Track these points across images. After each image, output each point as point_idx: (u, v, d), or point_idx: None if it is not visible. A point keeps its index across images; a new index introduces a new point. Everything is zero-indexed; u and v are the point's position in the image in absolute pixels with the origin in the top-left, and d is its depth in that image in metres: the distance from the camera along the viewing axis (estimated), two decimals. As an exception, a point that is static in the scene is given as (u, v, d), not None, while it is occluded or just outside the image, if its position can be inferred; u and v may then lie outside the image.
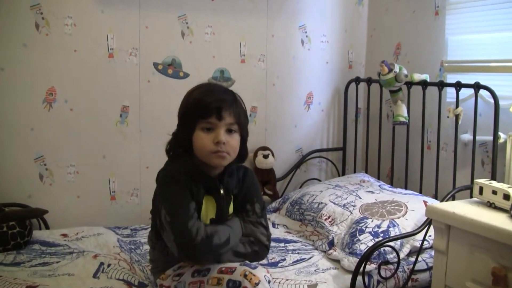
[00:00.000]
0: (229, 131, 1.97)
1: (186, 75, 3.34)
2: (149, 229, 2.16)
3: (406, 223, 2.68)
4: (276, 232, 3.00)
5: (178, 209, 1.91)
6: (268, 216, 3.14)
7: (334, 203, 2.99)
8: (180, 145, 2.03)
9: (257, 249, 2.08)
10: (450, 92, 3.15)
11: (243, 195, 2.12)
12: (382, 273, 2.47)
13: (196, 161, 2.00)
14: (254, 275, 1.87)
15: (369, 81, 3.62)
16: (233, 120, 1.97)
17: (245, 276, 1.87)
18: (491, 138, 2.83)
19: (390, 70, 3.18)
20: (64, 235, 2.81)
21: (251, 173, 2.17)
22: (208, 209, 2.02)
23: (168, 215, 1.91)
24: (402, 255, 2.55)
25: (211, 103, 1.94)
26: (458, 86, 2.96)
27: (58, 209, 3.09)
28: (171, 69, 3.31)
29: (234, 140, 1.98)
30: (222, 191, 2.03)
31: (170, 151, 2.07)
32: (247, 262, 2.01)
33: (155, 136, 3.28)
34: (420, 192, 3.21)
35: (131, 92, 3.23)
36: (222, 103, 1.95)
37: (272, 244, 2.70)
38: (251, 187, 2.14)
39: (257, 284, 1.85)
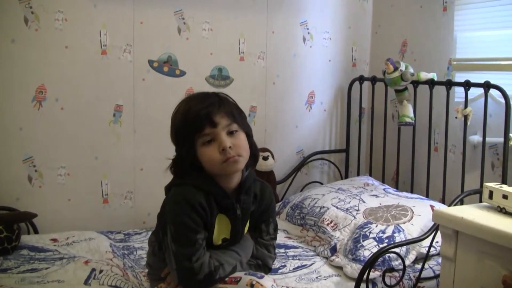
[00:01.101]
0: (230, 132, 1.92)
1: (182, 73, 3.34)
2: (147, 235, 2.14)
3: (412, 229, 2.68)
4: (276, 238, 2.99)
5: (185, 240, 1.87)
6: None
7: (337, 207, 2.98)
8: (188, 166, 1.95)
9: (260, 264, 2.08)
10: (459, 91, 3.15)
11: (259, 214, 2.08)
12: (387, 280, 2.46)
13: (211, 174, 1.94)
14: (261, 285, 1.86)
15: (373, 80, 3.61)
16: (229, 121, 1.91)
17: (251, 286, 1.86)
18: (501, 139, 2.83)
19: (396, 69, 3.19)
20: (54, 240, 2.80)
21: (269, 191, 2.11)
22: (221, 229, 1.98)
23: (174, 243, 1.88)
24: (407, 262, 2.55)
25: (198, 113, 1.89)
26: (467, 85, 2.96)
27: (47, 212, 3.08)
28: (167, 66, 3.31)
29: (239, 140, 1.93)
30: (238, 212, 1.98)
31: (180, 173, 1.98)
32: (252, 271, 2.00)
33: (150, 136, 3.28)
34: (427, 196, 3.21)
35: (125, 91, 3.23)
36: (209, 108, 1.89)
37: None
38: (270, 207, 2.10)
39: None
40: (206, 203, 1.89)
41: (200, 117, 1.88)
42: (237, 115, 1.95)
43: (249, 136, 1.99)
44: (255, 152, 2.01)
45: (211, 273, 1.89)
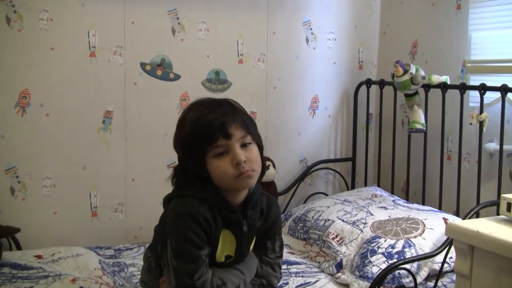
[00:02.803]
0: (244, 145, 1.89)
1: (177, 77, 3.34)
2: (138, 251, 2.13)
3: (424, 243, 2.68)
4: (277, 253, 2.98)
5: (187, 256, 1.85)
6: None
7: (343, 220, 2.98)
8: (189, 183, 1.92)
9: (265, 283, 2.07)
10: (474, 95, 3.15)
11: (264, 230, 2.07)
12: (397, 299, 2.46)
13: (218, 187, 1.92)
14: None
15: (381, 83, 3.62)
16: (243, 132, 1.89)
17: None
18: (520, 147, 2.83)
19: (406, 71, 3.19)
20: (39, 257, 2.78)
21: (276, 206, 2.10)
22: (225, 245, 1.96)
23: (175, 259, 1.85)
24: (419, 279, 2.54)
25: (211, 125, 1.85)
26: (483, 89, 2.95)
27: (31, 227, 3.06)
28: (160, 70, 3.31)
29: (253, 153, 1.90)
30: (245, 228, 1.96)
31: (179, 187, 1.96)
32: None
33: (142, 144, 3.27)
34: (440, 208, 3.21)
35: (116, 96, 3.22)
36: (224, 118, 1.86)
37: None
38: (276, 224, 2.08)
39: None
40: (211, 217, 1.87)
41: (213, 127, 1.85)
42: (250, 126, 1.93)
43: (261, 148, 1.97)
44: (264, 165, 2.00)
45: None
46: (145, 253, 2.13)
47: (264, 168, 2.00)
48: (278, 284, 2.56)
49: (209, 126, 1.84)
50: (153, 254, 2.06)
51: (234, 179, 1.86)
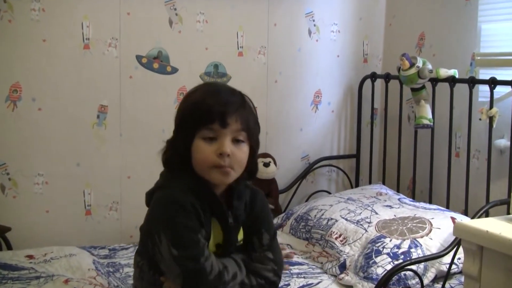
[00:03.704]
0: (236, 140, 1.89)
1: (174, 70, 3.34)
2: (134, 250, 2.11)
3: (431, 243, 2.68)
4: (278, 253, 2.98)
5: (188, 241, 1.84)
6: (282, 245, 3.12)
7: (346, 220, 2.99)
8: (178, 157, 1.94)
9: (263, 283, 2.04)
10: (483, 90, 3.15)
11: (249, 225, 2.05)
12: (403, 301, 2.47)
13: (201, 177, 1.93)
14: None
15: (387, 77, 3.62)
16: (240, 127, 1.89)
17: None
18: (531, 143, 2.83)
19: (412, 65, 3.19)
20: (30, 257, 2.78)
21: (261, 198, 2.08)
22: (215, 234, 1.96)
23: (174, 248, 1.84)
24: (426, 281, 2.54)
25: (213, 106, 1.86)
26: (493, 83, 2.96)
27: (23, 226, 3.06)
28: (157, 63, 3.31)
29: (241, 152, 1.90)
30: (230, 220, 1.96)
31: (169, 164, 1.97)
32: None
33: (138, 141, 3.27)
34: (447, 207, 3.21)
35: (110, 90, 3.22)
36: (227, 107, 1.87)
37: None
38: (260, 217, 2.06)
39: None
40: (198, 205, 1.87)
41: (213, 111, 1.86)
42: (251, 126, 1.93)
43: (254, 152, 1.97)
44: (253, 170, 2.00)
45: (221, 273, 1.87)
46: (135, 259, 2.11)
47: (253, 172, 2.01)
48: (280, 285, 2.56)
49: (210, 107, 1.86)
50: (143, 258, 2.03)
51: (210, 169, 1.87)
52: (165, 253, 1.86)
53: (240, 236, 2.02)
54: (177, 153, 1.92)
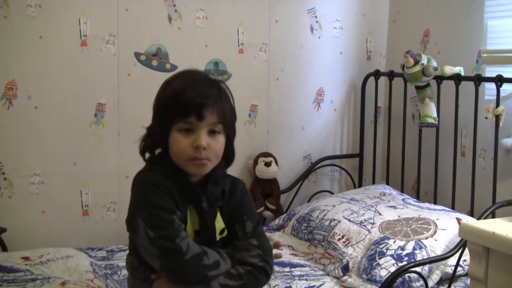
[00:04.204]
0: (212, 132, 1.94)
1: (173, 67, 3.34)
2: (128, 251, 2.11)
3: (436, 245, 2.68)
4: (280, 255, 2.98)
5: (162, 221, 1.87)
6: (270, 235, 3.18)
7: (349, 220, 2.99)
8: (156, 145, 2.01)
9: (250, 269, 2.03)
10: (489, 88, 3.14)
11: (230, 213, 2.08)
12: (407, 305, 2.47)
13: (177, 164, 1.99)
14: None
15: (391, 75, 3.61)
16: (217, 119, 1.93)
17: None
18: (538, 143, 2.83)
19: (417, 62, 3.19)
20: (26, 258, 2.77)
21: (241, 186, 2.12)
22: (192, 221, 1.99)
23: (150, 229, 1.87)
24: (431, 284, 2.55)
25: (191, 99, 1.90)
26: (499, 80, 2.96)
27: (18, 226, 3.06)
28: (156, 60, 3.31)
29: (217, 144, 1.96)
30: (204, 204, 2.00)
31: (145, 151, 2.04)
32: None
33: (136, 139, 3.22)
34: (453, 208, 3.21)
35: (108, 88, 3.22)
36: (204, 99, 1.91)
37: (275, 268, 2.70)
38: (241, 204, 2.09)
39: None
40: (174, 190, 1.92)
41: (190, 104, 1.90)
42: (228, 117, 1.98)
43: (230, 140, 2.02)
44: (230, 158, 2.06)
45: (199, 255, 1.89)
46: (126, 260, 2.13)
47: (231, 160, 2.06)
48: (282, 287, 2.56)
49: (187, 100, 1.90)
50: (132, 253, 2.06)
51: (187, 161, 1.92)
52: (142, 236, 1.88)
53: (219, 223, 2.04)
54: (154, 142, 1.99)
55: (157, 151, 2.02)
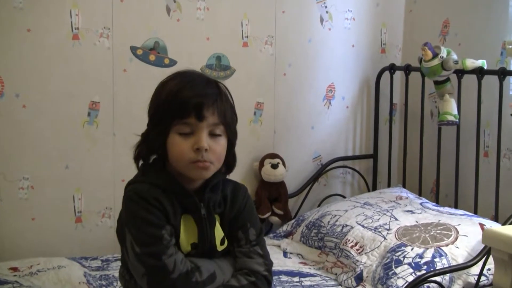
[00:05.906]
0: (213, 134, 1.96)
1: (172, 63, 3.34)
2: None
3: (457, 253, 2.68)
4: (288, 263, 3.01)
5: (149, 237, 1.89)
6: (278, 242, 3.22)
7: (363, 226, 3.00)
8: (151, 151, 2.02)
9: (254, 280, 2.06)
10: (514, 82, 3.14)
11: (232, 219, 2.10)
12: (427, 317, 2.48)
13: (172, 170, 2.00)
14: None
15: (407, 69, 3.62)
16: (218, 120, 1.95)
17: None
18: None
19: (435, 55, 3.19)
20: (14, 269, 2.79)
21: (243, 191, 2.15)
22: (188, 232, 2.00)
23: (137, 245, 1.89)
24: (452, 294, 2.55)
25: (189, 99, 1.92)
26: (525, 74, 2.96)
27: (6, 235, 3.07)
28: (154, 54, 3.31)
29: (219, 146, 1.97)
30: (203, 211, 2.01)
31: (139, 158, 2.05)
32: None
33: (133, 140, 3.20)
34: (475, 212, 3.21)
35: (102, 85, 3.22)
36: (203, 99, 1.93)
37: (284, 278, 2.76)
38: (244, 210, 2.12)
39: None
40: (166, 201, 1.94)
41: (189, 104, 1.92)
42: (229, 118, 2.00)
43: (232, 144, 2.05)
44: (231, 163, 2.08)
45: (188, 273, 1.91)
46: (119, 274, 2.15)
47: (232, 166, 2.08)
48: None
49: (185, 101, 1.92)
50: (123, 266, 2.08)
51: (189, 165, 1.93)
52: (130, 251, 1.92)
53: (218, 232, 2.06)
54: (150, 148, 2.00)
55: (152, 157, 2.04)
